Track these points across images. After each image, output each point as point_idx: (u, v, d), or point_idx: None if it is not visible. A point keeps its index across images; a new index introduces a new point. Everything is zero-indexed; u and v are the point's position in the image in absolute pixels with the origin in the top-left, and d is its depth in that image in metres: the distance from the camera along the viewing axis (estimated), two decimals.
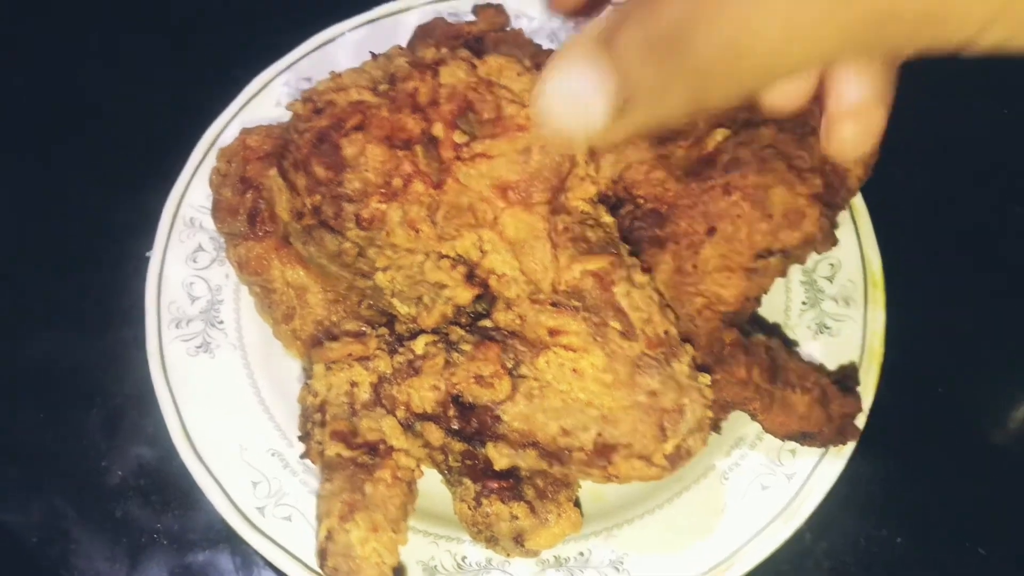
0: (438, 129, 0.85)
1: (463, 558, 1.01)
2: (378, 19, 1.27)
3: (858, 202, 1.13)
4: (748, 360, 0.96)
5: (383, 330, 0.96)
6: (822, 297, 1.12)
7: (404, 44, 1.18)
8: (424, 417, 0.90)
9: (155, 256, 1.13)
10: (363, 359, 0.94)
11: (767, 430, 0.99)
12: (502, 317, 0.87)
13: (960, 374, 1.19)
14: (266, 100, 1.23)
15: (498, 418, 0.86)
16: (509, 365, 0.86)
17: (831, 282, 1.12)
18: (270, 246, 1.03)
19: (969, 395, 1.18)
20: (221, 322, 1.12)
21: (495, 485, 0.94)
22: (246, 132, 1.12)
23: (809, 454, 1.03)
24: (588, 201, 0.87)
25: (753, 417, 0.98)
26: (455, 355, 0.87)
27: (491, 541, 0.95)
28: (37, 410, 1.18)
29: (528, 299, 0.86)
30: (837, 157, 0.79)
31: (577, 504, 0.95)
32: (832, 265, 1.12)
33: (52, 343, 1.22)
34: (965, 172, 1.33)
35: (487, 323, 0.88)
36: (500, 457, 0.88)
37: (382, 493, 0.91)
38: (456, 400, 0.88)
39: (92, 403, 1.18)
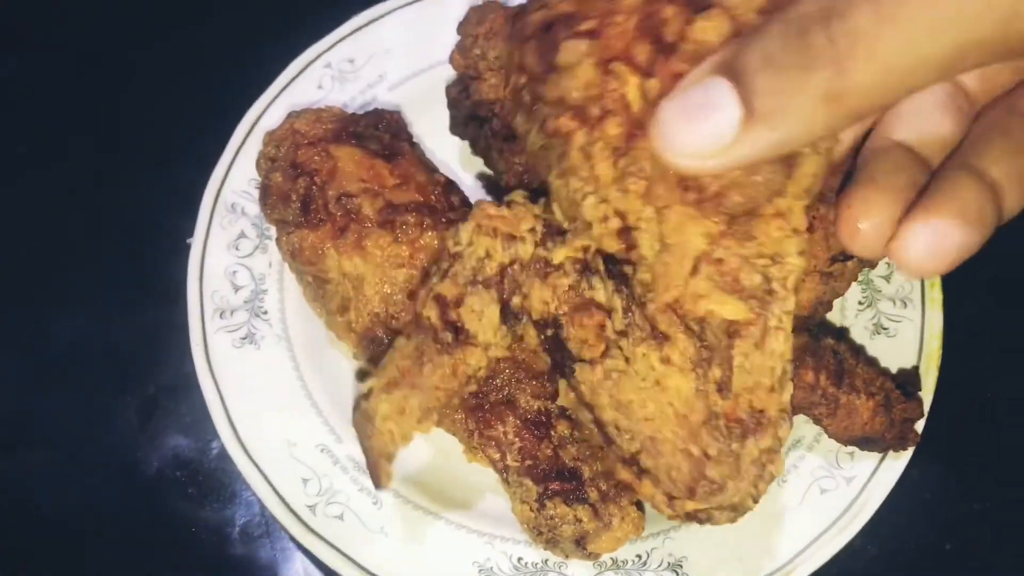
0: (652, 86, 0.74)
1: (519, 559, 1.00)
2: None
3: None
4: (816, 364, 0.95)
5: (540, 209, 0.89)
6: (879, 297, 1.10)
7: (455, 26, 1.15)
8: (531, 319, 0.87)
9: (196, 243, 1.10)
10: (510, 237, 0.89)
11: (830, 435, 0.98)
12: (638, 286, 0.80)
13: (1011, 378, 1.18)
14: (308, 82, 1.19)
15: (572, 369, 0.84)
16: (618, 327, 0.81)
17: (888, 282, 1.11)
18: (325, 234, 1.00)
19: (1020, 400, 1.17)
20: (265, 312, 1.08)
21: (558, 486, 0.93)
22: (294, 115, 1.08)
23: (868, 457, 1.02)
24: (775, 241, 0.76)
25: (818, 422, 0.97)
26: (582, 286, 0.84)
27: (551, 543, 0.93)
28: (71, 393, 1.15)
29: (660, 304, 0.79)
30: (901, 266, 0.72)
31: (640, 507, 0.94)
32: (889, 264, 1.11)
33: (89, 325, 1.18)
34: None
35: (629, 271, 0.81)
36: (564, 397, 0.86)
37: (434, 381, 0.88)
38: (556, 324, 0.85)
39: (126, 389, 1.16)
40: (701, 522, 0.80)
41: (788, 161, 0.76)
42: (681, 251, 0.77)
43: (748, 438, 0.77)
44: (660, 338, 0.79)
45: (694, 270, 0.77)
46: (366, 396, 0.89)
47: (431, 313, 0.90)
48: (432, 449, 1.05)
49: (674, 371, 0.79)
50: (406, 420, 0.87)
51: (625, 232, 0.81)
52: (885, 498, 1.02)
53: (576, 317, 0.83)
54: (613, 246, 0.82)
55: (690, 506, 0.79)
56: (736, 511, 0.79)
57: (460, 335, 0.89)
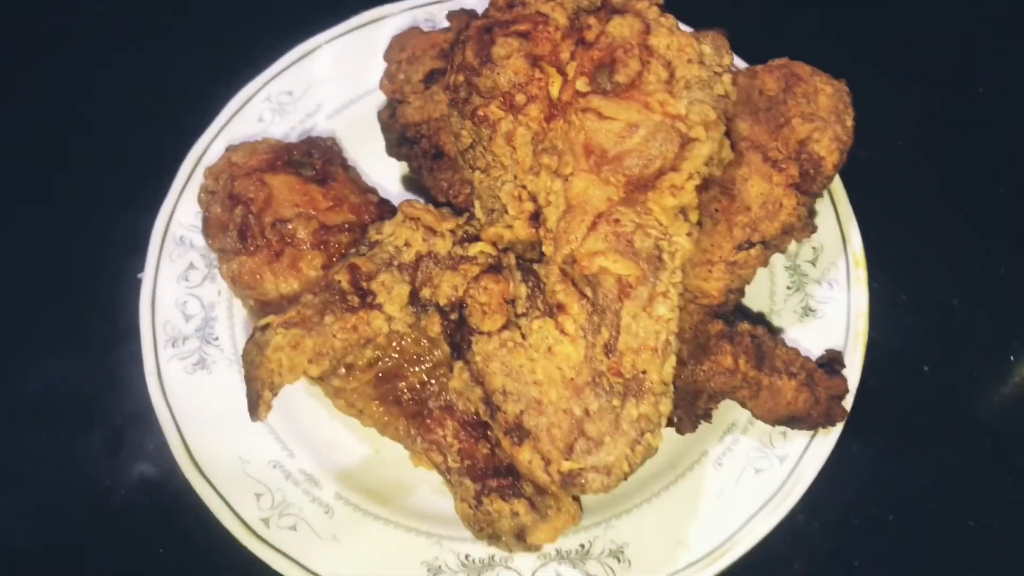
0: (571, 69, 0.89)
1: (466, 556, 1.03)
2: (355, 29, 1.28)
3: (836, 185, 1.15)
4: (734, 349, 0.98)
5: (463, 220, 1.00)
6: (806, 280, 1.14)
7: (381, 54, 1.20)
8: (437, 307, 0.94)
9: (147, 277, 1.15)
10: (431, 230, 0.98)
11: (757, 416, 1.01)
12: (542, 270, 0.89)
13: (944, 350, 1.21)
14: (248, 116, 1.24)
15: (469, 344, 0.90)
16: (520, 311, 0.89)
17: (814, 265, 1.14)
18: (262, 259, 1.05)
19: (953, 370, 1.20)
20: (216, 338, 1.13)
21: (494, 483, 0.96)
22: (231, 149, 1.13)
23: (800, 436, 1.05)
24: (667, 211, 0.86)
25: (743, 405, 1.00)
26: (484, 275, 0.91)
27: (493, 538, 0.97)
28: (39, 434, 1.19)
29: (559, 263, 0.87)
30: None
31: (575, 498, 0.97)
32: (815, 248, 1.14)
33: (51, 367, 1.23)
34: (941, 150, 1.35)
35: (538, 267, 0.90)
36: (459, 378, 0.93)
37: (334, 330, 0.94)
38: (460, 308, 0.92)
39: (93, 424, 1.20)
40: (576, 488, 0.84)
41: (683, 141, 0.84)
42: (582, 210, 0.86)
43: (629, 398, 0.84)
44: (557, 310, 0.85)
45: (592, 226, 0.86)
46: (262, 328, 0.94)
47: (342, 278, 0.97)
48: (380, 456, 1.10)
49: (566, 339, 0.86)
50: (297, 355, 0.92)
51: (536, 218, 0.90)
52: (826, 475, 1.05)
53: (482, 279, 0.90)
54: (524, 233, 0.91)
55: (566, 466, 0.84)
56: (610, 475, 0.83)
57: (367, 300, 0.95)
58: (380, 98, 1.22)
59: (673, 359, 0.85)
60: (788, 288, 1.14)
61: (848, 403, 1.05)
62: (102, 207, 1.31)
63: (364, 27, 1.28)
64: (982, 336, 1.23)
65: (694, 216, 0.87)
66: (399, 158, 1.19)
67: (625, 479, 0.83)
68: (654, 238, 0.85)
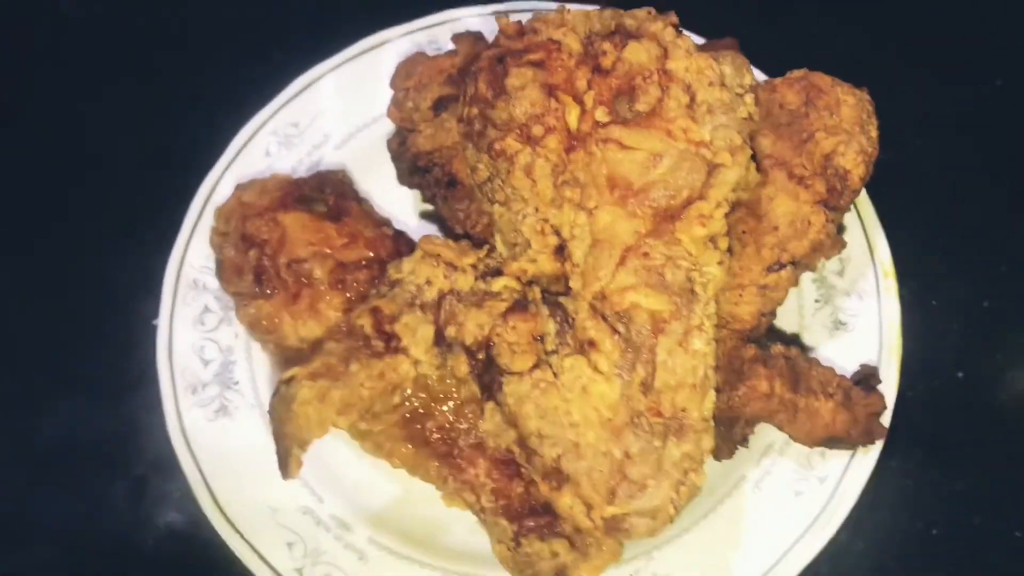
0: (589, 99, 0.86)
1: None
2: (357, 56, 1.25)
3: (861, 194, 1.12)
4: (769, 373, 0.96)
5: (484, 253, 0.97)
6: (834, 293, 1.11)
7: (385, 80, 1.17)
8: (463, 347, 0.91)
9: (162, 323, 1.12)
10: (452, 266, 0.95)
11: (795, 439, 0.99)
12: (570, 305, 0.87)
13: (978, 354, 1.19)
14: (255, 151, 1.21)
15: (500, 385, 0.88)
16: (550, 348, 0.86)
17: (842, 277, 1.12)
18: (280, 302, 1.03)
19: (989, 375, 1.18)
20: (236, 383, 1.11)
21: (532, 523, 0.94)
22: (241, 188, 1.11)
23: (839, 456, 1.03)
24: (697, 241, 0.83)
25: (780, 429, 0.98)
26: (512, 313, 0.88)
27: None
28: (59, 487, 1.17)
29: (589, 299, 0.85)
30: None
31: None
32: (841, 260, 1.12)
33: (67, 417, 1.20)
34: (960, 147, 1.32)
35: (565, 301, 0.88)
36: (490, 420, 0.90)
37: (360, 379, 0.91)
38: (488, 347, 0.89)
39: (115, 473, 1.17)
40: (620, 534, 0.82)
41: (709, 169, 0.82)
42: (610, 245, 0.84)
43: (670, 437, 0.81)
44: (588, 347, 0.83)
45: (621, 261, 0.84)
46: (287, 382, 0.91)
47: (365, 322, 0.94)
48: (412, 497, 1.07)
49: (600, 378, 0.83)
50: (325, 408, 0.89)
51: (560, 251, 0.87)
52: (866, 493, 1.03)
53: (510, 318, 0.87)
54: (549, 266, 0.88)
55: (609, 511, 0.82)
56: (655, 519, 0.81)
57: (392, 344, 0.92)
58: (388, 124, 1.19)
59: (712, 394, 0.83)
60: (816, 302, 1.11)
61: (886, 420, 1.02)
62: (108, 250, 1.27)
63: (366, 53, 1.25)
64: (1016, 337, 1.20)
65: (724, 244, 0.85)
66: (411, 187, 1.16)
67: (671, 522, 0.81)
68: (685, 270, 0.83)
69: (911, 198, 1.22)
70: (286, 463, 0.87)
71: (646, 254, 0.83)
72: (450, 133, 1.10)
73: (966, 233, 1.25)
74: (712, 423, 0.83)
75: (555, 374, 0.85)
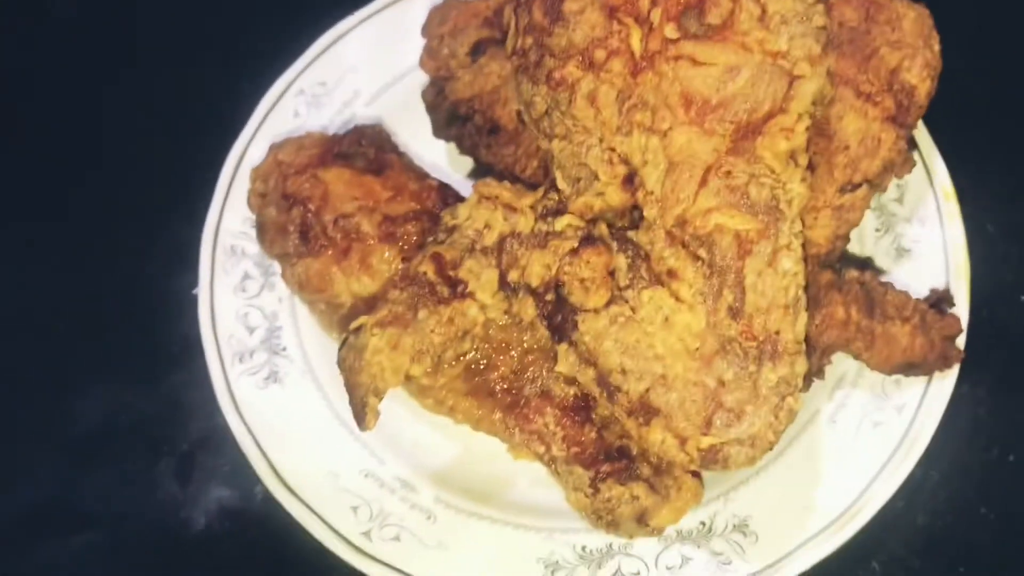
0: (656, 15, 0.81)
1: (583, 547, 0.98)
2: (384, 8, 1.21)
3: None
4: (845, 299, 0.93)
5: (541, 193, 0.93)
6: (895, 220, 1.08)
7: (418, 31, 1.13)
8: (529, 289, 0.88)
9: (203, 292, 1.08)
10: (510, 208, 0.91)
11: (872, 367, 0.96)
12: (644, 236, 0.83)
13: None
14: (283, 112, 1.18)
15: (575, 324, 0.84)
16: (623, 283, 0.83)
17: (901, 204, 1.09)
18: (329, 259, 0.99)
19: None
20: (284, 348, 1.07)
21: (608, 468, 0.91)
22: (276, 147, 1.07)
23: (915, 383, 1.00)
24: (779, 156, 0.79)
25: (857, 357, 0.95)
26: (583, 248, 0.85)
27: (612, 525, 0.91)
28: (106, 469, 1.13)
29: (665, 228, 0.81)
30: None
31: (696, 474, 0.92)
32: (899, 186, 1.09)
33: (108, 399, 1.16)
34: (1018, 69, 1.29)
35: (633, 234, 0.84)
36: (564, 361, 0.87)
37: (430, 325, 0.88)
38: (557, 287, 0.86)
39: (160, 453, 1.14)
40: (718, 465, 0.79)
41: (789, 79, 0.78)
42: (690, 166, 0.80)
43: (765, 362, 0.78)
44: (667, 278, 0.79)
45: (703, 182, 0.80)
46: (356, 331, 0.88)
47: (428, 268, 0.90)
48: (472, 453, 1.04)
49: (683, 307, 0.80)
50: (398, 355, 0.86)
51: (629, 181, 0.83)
52: (939, 422, 1.00)
53: (583, 252, 0.83)
54: (618, 199, 0.84)
55: (705, 442, 0.79)
56: (755, 447, 0.78)
57: (458, 289, 0.89)
58: (418, 78, 1.16)
59: (804, 315, 0.80)
60: (877, 231, 1.08)
61: (961, 343, 0.99)
62: (139, 224, 1.24)
63: (393, 4, 1.21)
64: None
65: (803, 160, 0.82)
66: (448, 139, 1.12)
67: (771, 449, 0.78)
68: (769, 187, 0.79)
69: (964, 121, 1.18)
70: (362, 414, 0.84)
71: (728, 172, 0.79)
72: (490, 78, 1.06)
73: (1019, 156, 1.22)
74: (804, 345, 0.79)
75: (632, 308, 0.82)
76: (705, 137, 0.79)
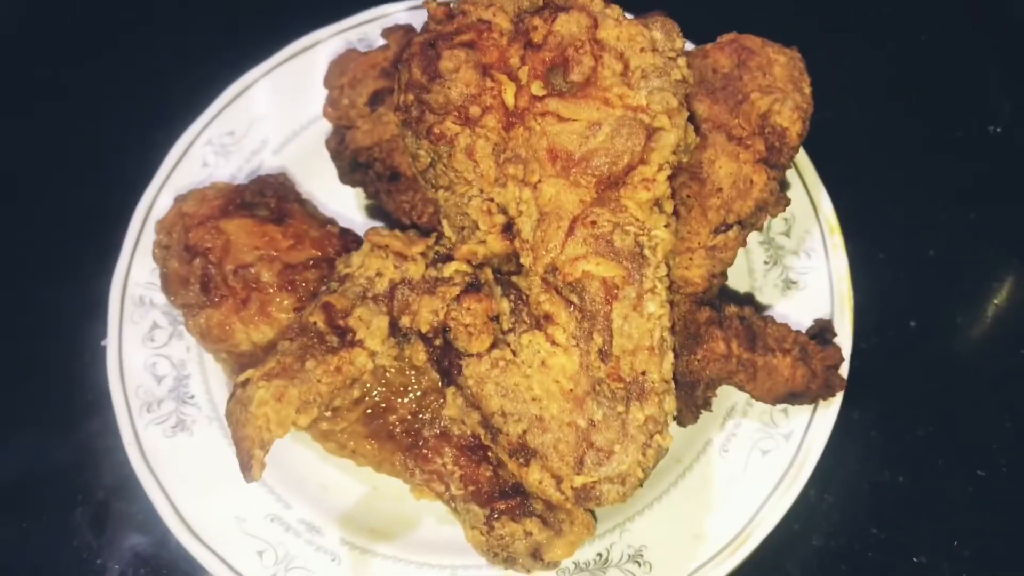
0: (523, 74, 0.85)
1: None
2: (289, 59, 1.24)
3: (800, 153, 1.13)
4: (725, 334, 0.96)
5: (433, 240, 0.96)
6: (783, 253, 1.12)
7: (319, 82, 1.17)
8: (419, 334, 0.91)
9: (111, 343, 1.10)
10: (401, 256, 0.95)
11: (756, 398, 0.99)
12: (523, 282, 0.87)
13: (928, 302, 1.21)
14: (192, 162, 1.20)
15: (459, 368, 0.87)
16: (506, 327, 0.86)
17: (788, 236, 1.13)
18: (229, 309, 1.01)
19: (939, 321, 1.20)
20: (192, 396, 1.09)
21: (503, 505, 0.93)
22: (180, 199, 1.09)
23: (802, 411, 1.04)
24: (643, 205, 0.83)
25: (741, 389, 0.98)
26: (465, 295, 0.88)
27: (509, 562, 0.94)
28: (20, 520, 1.14)
29: (539, 274, 0.85)
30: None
31: (588, 508, 0.95)
32: (787, 220, 1.13)
33: (22, 449, 1.17)
34: (892, 101, 1.35)
35: (517, 279, 0.87)
36: (452, 405, 0.90)
37: (317, 375, 0.90)
38: (444, 333, 0.89)
39: (75, 502, 1.15)
40: (591, 503, 0.82)
41: (648, 133, 0.82)
42: (557, 216, 0.84)
43: (632, 401, 0.81)
44: (544, 322, 0.83)
45: (570, 231, 0.84)
46: (243, 384, 0.90)
47: (318, 318, 0.93)
48: (379, 493, 1.06)
49: (558, 350, 0.83)
50: (284, 407, 0.88)
51: (508, 229, 0.87)
52: (831, 447, 1.03)
53: (464, 300, 0.87)
54: (499, 246, 0.88)
55: (579, 481, 0.82)
56: (625, 484, 0.81)
57: (347, 337, 0.92)
58: (325, 126, 1.19)
59: (671, 355, 0.83)
60: (765, 263, 1.12)
61: (844, 371, 1.03)
62: (48, 276, 1.25)
63: (298, 55, 1.24)
64: (963, 284, 1.23)
65: (669, 207, 0.85)
66: (353, 184, 1.15)
67: (640, 486, 0.81)
68: (633, 235, 0.83)
69: (849, 156, 1.24)
70: (248, 466, 0.85)
71: (593, 222, 0.83)
72: (388, 127, 1.09)
73: (906, 185, 1.28)
74: (672, 384, 0.83)
75: (513, 352, 0.85)
76: (571, 188, 0.83)
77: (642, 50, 0.85)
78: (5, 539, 1.13)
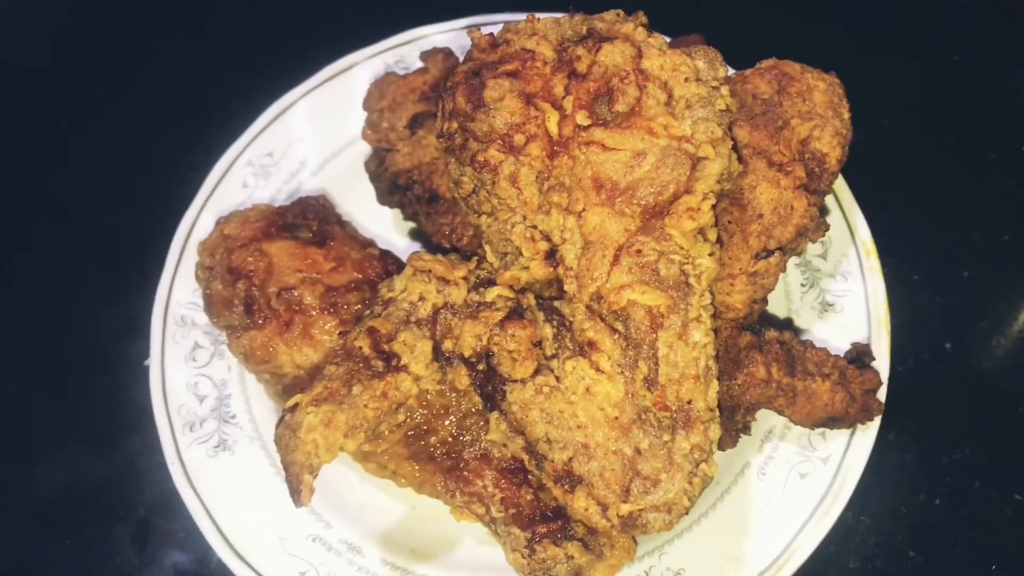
0: (568, 103, 0.86)
1: None
2: (327, 80, 1.25)
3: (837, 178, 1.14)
4: (765, 359, 0.97)
5: (474, 264, 0.97)
6: (820, 276, 1.13)
7: (357, 103, 1.18)
8: (462, 359, 0.92)
9: (154, 363, 1.11)
10: (443, 281, 0.95)
11: (795, 422, 1.00)
12: (566, 308, 0.87)
13: (963, 324, 1.21)
14: (232, 183, 1.21)
15: (503, 394, 0.88)
16: (549, 353, 0.87)
17: (825, 259, 1.13)
18: (272, 331, 1.02)
19: (975, 344, 1.20)
20: (233, 416, 1.10)
21: (544, 529, 0.94)
22: (222, 221, 1.10)
23: (839, 435, 1.04)
24: (687, 234, 0.84)
25: (780, 413, 0.99)
26: (508, 322, 0.88)
27: None
28: (62, 537, 1.16)
29: (584, 302, 0.85)
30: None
31: None
32: (823, 243, 1.13)
33: (64, 465, 1.19)
34: (926, 123, 1.35)
35: (560, 304, 0.88)
36: (496, 430, 0.90)
37: (364, 400, 0.91)
38: (487, 358, 0.90)
39: (116, 519, 1.16)
40: (637, 530, 0.82)
41: (693, 162, 0.83)
42: (602, 245, 0.85)
43: (678, 430, 0.82)
44: (588, 349, 0.83)
45: (615, 260, 0.84)
46: (291, 410, 0.91)
47: (363, 343, 0.94)
48: (419, 513, 1.07)
49: (603, 378, 0.84)
50: (332, 432, 0.89)
51: (551, 256, 0.87)
52: (867, 470, 1.03)
53: (508, 327, 0.87)
54: (541, 272, 0.88)
55: (624, 509, 0.82)
56: (671, 512, 0.81)
57: (392, 363, 0.93)
58: (363, 147, 1.20)
59: (715, 384, 0.84)
60: (803, 286, 1.13)
61: (882, 395, 1.04)
62: (92, 296, 1.27)
63: (336, 77, 1.26)
64: (998, 304, 1.23)
65: (713, 235, 0.86)
66: (392, 206, 1.17)
67: (686, 514, 0.82)
68: (678, 263, 0.84)
69: (883, 178, 1.24)
70: (298, 491, 0.86)
71: (639, 251, 0.83)
72: (427, 150, 1.10)
73: (940, 206, 1.28)
74: (717, 412, 0.83)
75: (557, 378, 0.86)
76: (616, 218, 0.84)
77: (686, 80, 0.86)
78: (48, 556, 1.15)
